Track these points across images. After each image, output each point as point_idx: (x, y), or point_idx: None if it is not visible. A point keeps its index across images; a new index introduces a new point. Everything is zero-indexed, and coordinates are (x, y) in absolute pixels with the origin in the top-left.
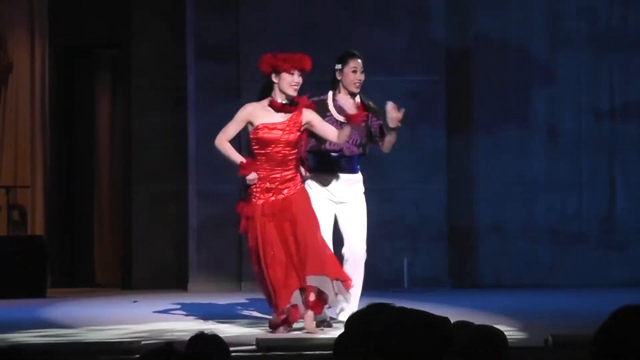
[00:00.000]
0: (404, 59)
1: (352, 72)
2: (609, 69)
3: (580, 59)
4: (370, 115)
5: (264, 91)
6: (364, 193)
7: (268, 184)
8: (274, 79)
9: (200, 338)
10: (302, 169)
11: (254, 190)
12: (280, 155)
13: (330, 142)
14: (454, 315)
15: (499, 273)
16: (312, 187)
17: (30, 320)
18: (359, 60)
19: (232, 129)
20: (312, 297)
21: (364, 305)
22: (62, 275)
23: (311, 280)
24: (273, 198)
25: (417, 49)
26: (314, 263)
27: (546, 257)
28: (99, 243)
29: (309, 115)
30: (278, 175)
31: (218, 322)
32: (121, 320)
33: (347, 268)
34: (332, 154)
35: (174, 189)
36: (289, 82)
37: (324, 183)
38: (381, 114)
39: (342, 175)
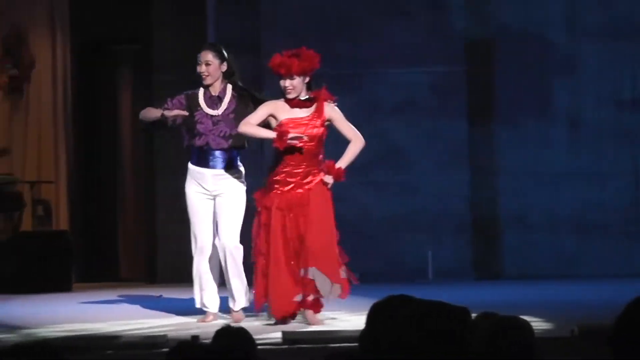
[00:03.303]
0: (424, 51)
1: (198, 65)
2: (630, 58)
3: (601, 49)
4: (249, 109)
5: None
6: (244, 185)
7: (290, 178)
8: None
9: (227, 331)
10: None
11: (274, 181)
12: (305, 150)
13: (200, 137)
14: (479, 306)
15: (523, 264)
16: (187, 182)
17: (56, 315)
18: (206, 52)
19: (253, 119)
20: (311, 297)
21: (384, 296)
22: (87, 270)
23: (313, 274)
24: (293, 192)
25: (436, 40)
26: (320, 259)
27: (570, 248)
28: (123, 238)
29: (331, 112)
30: (301, 171)
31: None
32: (147, 315)
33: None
34: (203, 148)
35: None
36: (281, 86)
37: (197, 177)
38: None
39: (212, 170)
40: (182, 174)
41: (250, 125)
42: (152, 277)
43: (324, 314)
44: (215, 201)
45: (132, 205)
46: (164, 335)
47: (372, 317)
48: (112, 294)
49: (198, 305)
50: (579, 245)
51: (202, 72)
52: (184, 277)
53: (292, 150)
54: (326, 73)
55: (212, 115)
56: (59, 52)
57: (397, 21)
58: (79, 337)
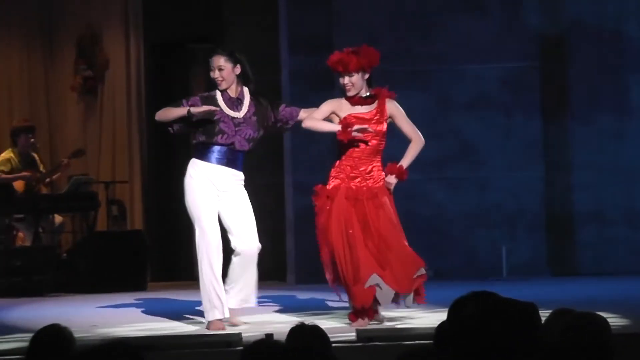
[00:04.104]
0: (498, 46)
1: (211, 71)
2: None
3: None
4: (268, 112)
5: None
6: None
7: (354, 171)
8: None
9: (301, 329)
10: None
11: (338, 173)
12: (369, 145)
13: (223, 136)
14: (555, 303)
15: (599, 260)
16: (194, 177)
17: (132, 315)
18: (218, 57)
19: (318, 115)
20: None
21: (461, 294)
22: (162, 269)
23: (376, 281)
24: (359, 184)
25: (510, 35)
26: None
27: None
28: None
29: (393, 109)
30: (365, 164)
31: (317, 313)
32: None
33: (239, 263)
34: (228, 147)
35: (270, 181)
36: (340, 84)
37: (210, 174)
38: (274, 106)
39: (231, 170)
40: (257, 172)
41: (315, 120)
42: (225, 275)
43: (397, 311)
44: (221, 201)
45: None
46: (239, 334)
47: (449, 313)
48: (186, 293)
49: (218, 317)
50: None
51: (217, 78)
52: (260, 275)
53: (356, 143)
54: (399, 69)
55: (233, 117)
56: (133, 52)
57: (470, 17)
58: (154, 336)
